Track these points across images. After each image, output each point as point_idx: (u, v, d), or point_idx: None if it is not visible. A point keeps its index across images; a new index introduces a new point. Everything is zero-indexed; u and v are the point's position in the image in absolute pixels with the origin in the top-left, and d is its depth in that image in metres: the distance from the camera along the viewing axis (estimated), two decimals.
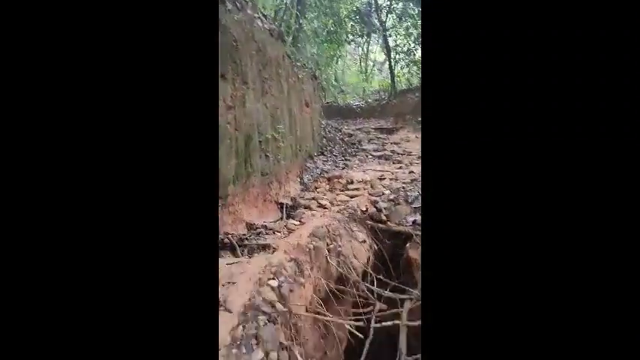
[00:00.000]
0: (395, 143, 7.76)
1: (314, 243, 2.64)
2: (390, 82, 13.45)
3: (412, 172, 4.73)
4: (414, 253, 2.90)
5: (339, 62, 15.90)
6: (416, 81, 12.71)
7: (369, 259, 2.98)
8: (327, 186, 4.59)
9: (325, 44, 12.41)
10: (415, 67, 12.98)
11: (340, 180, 4.58)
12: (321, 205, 3.83)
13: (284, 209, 3.80)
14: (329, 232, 2.89)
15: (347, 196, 4.12)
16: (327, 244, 2.74)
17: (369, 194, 3.97)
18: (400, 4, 12.60)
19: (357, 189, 4.35)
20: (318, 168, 5.03)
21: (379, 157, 6.46)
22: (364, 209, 3.61)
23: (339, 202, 3.91)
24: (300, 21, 7.28)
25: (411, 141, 7.97)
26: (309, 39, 8.74)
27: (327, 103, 12.24)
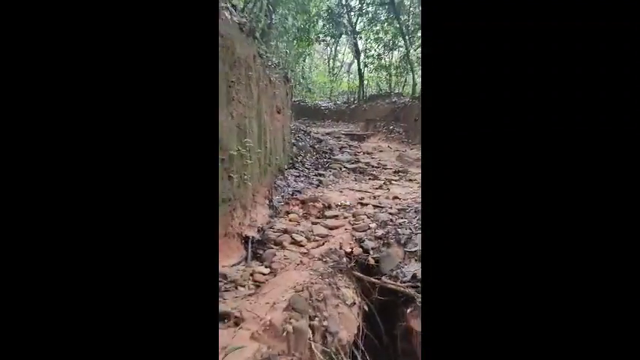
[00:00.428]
0: (368, 153, 7.09)
1: (293, 322, 1.85)
2: (357, 84, 12.83)
3: (397, 197, 4.04)
4: (416, 322, 2.20)
5: (307, 60, 15.13)
6: (385, 86, 12.16)
7: (359, 329, 2.24)
8: (301, 210, 3.80)
9: (294, 42, 11.62)
10: (385, 72, 12.45)
11: (316, 204, 3.80)
12: (295, 242, 3.04)
13: (249, 246, 2.97)
14: (310, 296, 2.11)
15: (325, 227, 3.36)
16: (310, 319, 1.97)
17: (353, 228, 3.23)
18: (372, 8, 11.97)
19: (335, 216, 3.60)
20: (289, 187, 4.22)
21: (353, 169, 5.76)
22: (349, 250, 2.86)
23: (316, 237, 3.13)
24: (273, 16, 6.37)
25: (384, 151, 7.35)
26: (280, 36, 7.84)
27: (295, 102, 11.42)
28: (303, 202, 3.87)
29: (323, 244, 3.00)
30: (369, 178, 5.32)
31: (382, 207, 3.70)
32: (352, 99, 12.93)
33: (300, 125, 8.46)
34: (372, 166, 6.03)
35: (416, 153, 6.99)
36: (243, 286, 2.39)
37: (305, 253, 2.81)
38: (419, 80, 9.76)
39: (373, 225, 3.25)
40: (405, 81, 12.36)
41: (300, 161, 5.41)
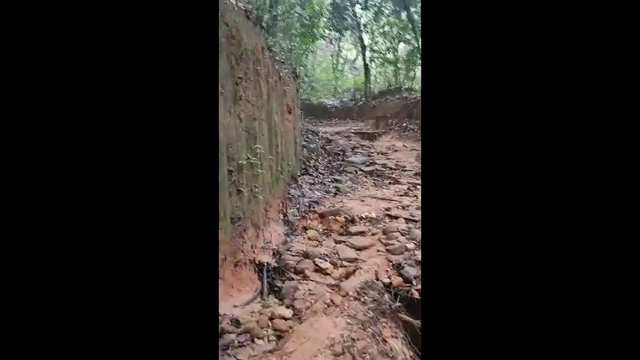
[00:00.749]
0: (382, 154, 6.53)
1: None
2: (364, 80, 12.25)
3: None
4: None
5: (310, 57, 14.57)
6: (394, 81, 11.56)
7: None
8: (321, 225, 3.25)
9: (298, 38, 11.08)
10: (392, 67, 11.85)
11: (337, 218, 3.25)
12: (319, 269, 2.49)
13: (264, 275, 2.43)
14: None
15: (352, 247, 2.81)
16: None
17: (387, 250, 2.68)
18: (377, 1, 11.37)
19: (362, 233, 3.05)
20: (305, 196, 3.67)
21: (370, 172, 5.20)
22: (387, 281, 2.31)
23: (343, 262, 2.58)
24: (278, 7, 5.80)
25: (399, 151, 6.78)
26: (288, 29, 7.27)
27: (300, 100, 10.89)
28: (322, 215, 3.32)
29: (353, 271, 2.45)
30: (390, 183, 4.76)
31: (416, 221, 3.14)
32: (359, 96, 12.34)
33: (308, 125, 7.91)
34: (390, 168, 5.47)
35: None
36: (261, 338, 1.84)
37: (334, 287, 2.26)
38: None
39: (411, 245, 2.70)
40: (414, 75, 11.77)
41: (313, 165, 4.86)
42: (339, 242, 2.93)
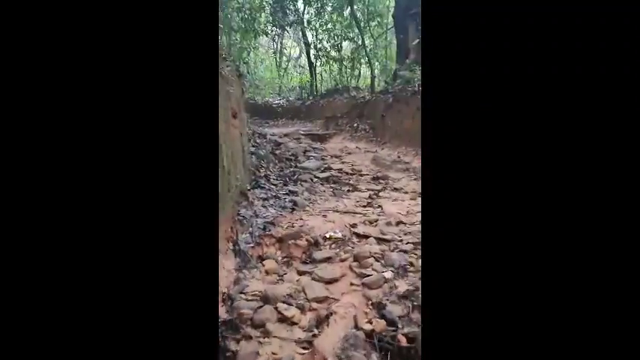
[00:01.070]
0: (336, 157, 6.12)
1: None
2: (309, 79, 11.80)
3: (401, 222, 3.10)
4: None
5: (252, 54, 13.84)
6: (340, 80, 11.25)
7: None
8: (279, 253, 2.72)
9: (239, 33, 10.35)
10: (337, 65, 11.55)
11: (298, 242, 2.74)
12: (284, 319, 1.97)
13: None
14: None
15: (320, 281, 2.32)
16: None
17: (363, 283, 2.22)
18: None
19: (329, 259, 2.57)
20: (258, 216, 3.10)
21: (326, 179, 4.76)
22: (369, 328, 1.86)
23: (313, 305, 2.09)
24: None
25: (353, 153, 6.42)
26: (225, 25, 6.59)
27: (245, 100, 10.14)
28: (280, 240, 2.79)
29: (326, 317, 1.96)
30: (349, 190, 4.35)
31: (389, 240, 2.73)
32: (305, 94, 11.88)
33: (254, 126, 7.27)
34: (347, 173, 5.08)
35: (389, 153, 6.15)
36: None
37: (306, 344, 1.76)
38: (379, 73, 8.95)
39: (389, 274, 2.27)
40: (360, 73, 11.56)
41: (264, 175, 4.29)
42: (303, 273, 2.43)
